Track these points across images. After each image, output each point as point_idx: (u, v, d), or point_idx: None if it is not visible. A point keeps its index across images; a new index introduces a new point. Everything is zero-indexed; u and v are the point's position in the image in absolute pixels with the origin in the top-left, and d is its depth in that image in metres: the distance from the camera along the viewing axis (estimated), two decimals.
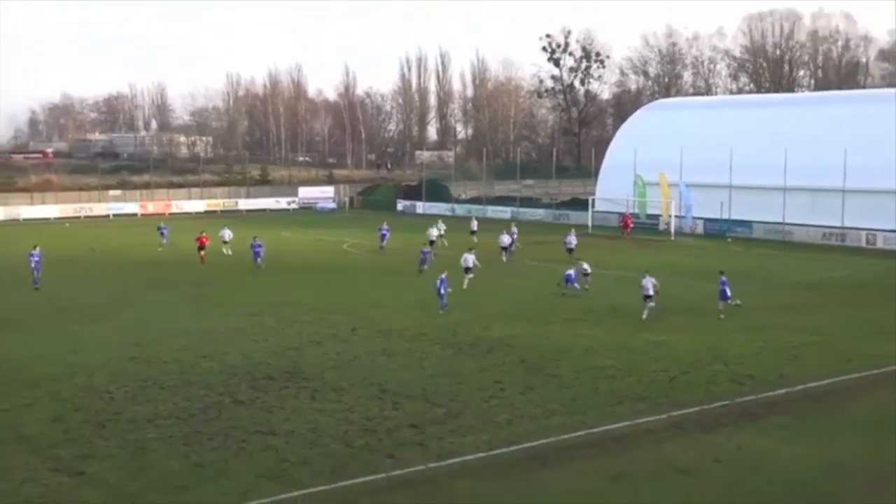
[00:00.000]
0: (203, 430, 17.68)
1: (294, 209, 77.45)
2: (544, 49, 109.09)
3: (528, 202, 71.34)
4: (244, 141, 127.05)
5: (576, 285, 32.83)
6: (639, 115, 73.80)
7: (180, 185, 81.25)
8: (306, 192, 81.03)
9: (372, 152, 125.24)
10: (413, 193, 78.08)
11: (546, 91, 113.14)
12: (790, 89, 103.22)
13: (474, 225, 51.29)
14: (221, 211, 73.63)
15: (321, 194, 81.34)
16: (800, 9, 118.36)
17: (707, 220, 56.49)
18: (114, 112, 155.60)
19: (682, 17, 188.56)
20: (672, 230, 55.13)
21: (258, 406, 19.39)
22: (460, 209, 70.67)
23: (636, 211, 58.84)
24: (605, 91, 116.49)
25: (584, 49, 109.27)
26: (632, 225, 55.61)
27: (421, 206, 73.94)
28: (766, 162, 55.17)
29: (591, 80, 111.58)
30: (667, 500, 14.56)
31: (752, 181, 55.58)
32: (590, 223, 58.36)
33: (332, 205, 79.30)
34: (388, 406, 19.35)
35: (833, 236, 51.12)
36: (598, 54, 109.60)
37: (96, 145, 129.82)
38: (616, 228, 56.81)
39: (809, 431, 17.80)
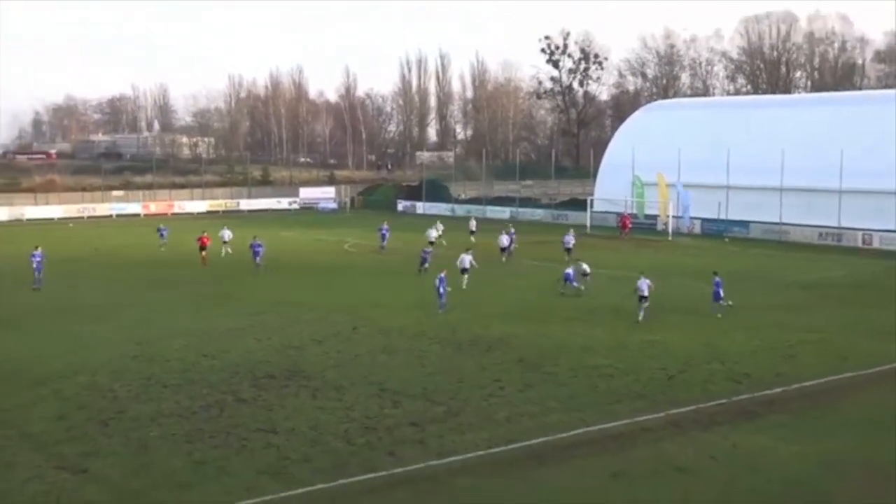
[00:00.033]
0: (205, 428, 17.80)
1: (295, 209, 77.71)
2: (543, 51, 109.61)
3: (527, 202, 71.49)
4: (246, 142, 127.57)
5: (575, 284, 33.05)
6: (637, 116, 74.01)
7: (183, 186, 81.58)
8: (307, 193, 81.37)
9: (372, 153, 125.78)
10: (413, 194, 78.27)
11: (545, 92, 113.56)
12: (787, 91, 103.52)
13: (473, 225, 51.46)
14: (223, 211, 73.81)
15: (322, 195, 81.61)
16: (796, 11, 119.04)
17: (704, 220, 56.69)
18: (117, 113, 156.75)
19: (680, 19, 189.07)
20: (670, 230, 55.32)
21: (260, 404, 19.51)
22: (460, 209, 70.83)
23: (634, 211, 59.04)
24: (603, 92, 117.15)
25: (582, 51, 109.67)
26: (630, 225, 55.82)
27: (421, 207, 74.12)
28: (762, 162, 55.35)
29: (590, 82, 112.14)
30: (665, 497, 14.63)
31: (749, 182, 55.79)
32: (588, 223, 58.52)
33: (333, 205, 79.53)
34: (388, 404, 19.47)
35: (829, 236, 51.32)
36: (596, 56, 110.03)
37: (99, 146, 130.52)
38: (614, 228, 57.01)
39: (806, 429, 17.92)
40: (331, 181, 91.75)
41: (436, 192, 76.62)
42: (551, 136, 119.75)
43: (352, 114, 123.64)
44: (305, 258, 45.10)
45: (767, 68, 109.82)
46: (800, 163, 53.48)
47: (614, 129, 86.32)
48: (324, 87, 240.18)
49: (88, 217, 69.98)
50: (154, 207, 73.05)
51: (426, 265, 37.05)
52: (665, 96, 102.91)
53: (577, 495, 14.75)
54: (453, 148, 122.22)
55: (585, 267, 33.89)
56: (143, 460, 16.11)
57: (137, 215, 71.14)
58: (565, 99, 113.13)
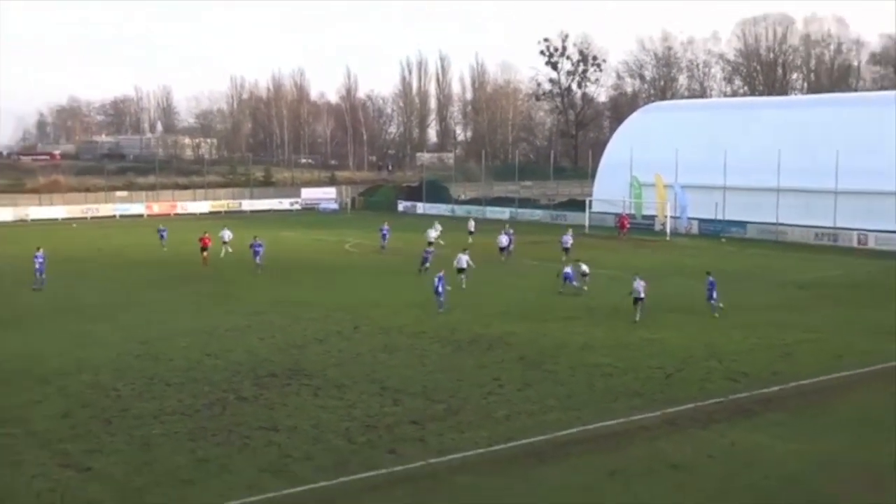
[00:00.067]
0: (207, 427, 17.93)
1: (297, 210, 77.98)
2: (542, 53, 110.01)
3: (526, 203, 71.69)
4: (248, 143, 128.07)
5: (574, 283, 33.27)
6: (635, 117, 74.22)
7: (185, 187, 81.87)
8: (309, 194, 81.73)
9: (373, 154, 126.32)
10: (414, 194, 78.51)
11: (544, 94, 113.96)
12: (783, 92, 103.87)
13: (471, 226, 51.64)
14: (226, 212, 74.06)
15: (323, 195, 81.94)
16: (793, 13, 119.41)
17: (702, 221, 56.91)
18: (120, 114, 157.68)
19: (678, 21, 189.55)
20: (667, 230, 55.51)
21: (261, 403, 19.65)
22: (460, 210, 71.02)
23: (632, 212, 59.24)
24: (601, 94, 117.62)
25: (581, 53, 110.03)
26: (628, 225, 56.03)
27: (421, 207, 74.32)
28: (759, 163, 55.59)
29: (588, 84, 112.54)
30: (662, 495, 14.72)
31: (746, 182, 56.02)
32: (587, 224, 58.70)
33: (335, 206, 79.77)
34: (389, 402, 19.62)
35: (825, 236, 51.55)
36: (594, 58, 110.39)
37: (103, 147, 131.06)
38: (612, 229, 57.22)
39: (802, 427, 18.06)
40: (332, 182, 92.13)
41: (436, 192, 76.84)
42: (550, 138, 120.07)
43: (353, 115, 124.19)
44: (307, 258, 45.27)
45: (764, 70, 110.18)
46: (796, 164, 53.73)
47: (612, 130, 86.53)
48: (325, 88, 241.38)
49: (92, 217, 70.23)
50: (157, 208, 73.29)
51: (427, 265, 37.23)
52: (663, 98, 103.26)
53: (575, 493, 14.84)
54: (453, 149, 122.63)
55: (585, 267, 34.10)
56: (146, 458, 16.23)
57: (140, 216, 71.37)
58: (564, 100, 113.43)
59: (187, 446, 16.83)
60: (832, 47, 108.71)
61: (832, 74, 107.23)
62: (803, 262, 43.97)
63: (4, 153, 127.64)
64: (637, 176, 59.82)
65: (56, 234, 56.25)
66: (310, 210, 77.80)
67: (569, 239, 43.46)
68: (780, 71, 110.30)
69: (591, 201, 62.63)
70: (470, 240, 47.31)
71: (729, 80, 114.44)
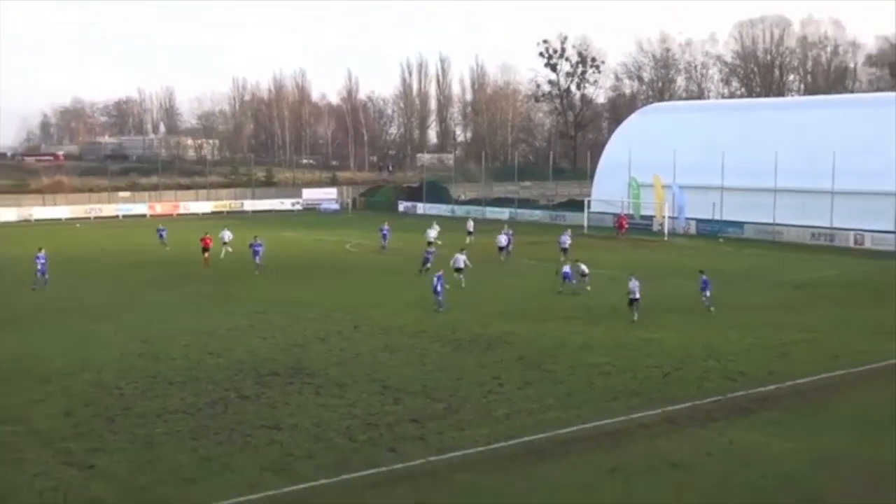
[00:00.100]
0: (210, 425, 18.02)
1: (298, 210, 78.19)
2: (541, 54, 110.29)
3: (525, 203, 71.86)
4: (250, 144, 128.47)
5: (573, 282, 33.46)
6: (633, 118, 74.41)
7: (188, 187, 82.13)
8: (310, 194, 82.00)
9: (374, 155, 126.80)
10: (414, 195, 78.72)
11: (543, 95, 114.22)
12: (780, 94, 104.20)
13: (470, 226, 51.75)
14: (228, 212, 74.26)
15: (325, 196, 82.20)
16: (790, 15, 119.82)
17: (699, 221, 57.10)
18: (123, 116, 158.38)
19: (676, 23, 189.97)
20: (665, 231, 55.68)
21: (263, 401, 19.76)
22: (460, 210, 71.17)
23: (631, 212, 59.42)
24: (600, 95, 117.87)
25: (580, 54, 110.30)
26: (626, 226, 56.24)
27: (421, 207, 74.50)
28: (756, 164, 55.77)
29: (587, 85, 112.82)
30: (660, 493, 14.81)
31: (743, 183, 56.21)
32: (585, 224, 58.87)
33: (336, 206, 79.99)
34: (389, 401, 19.73)
35: (822, 237, 51.75)
36: (593, 59, 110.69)
37: (106, 148, 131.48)
38: (611, 229, 57.41)
39: (799, 426, 18.19)
40: (333, 182, 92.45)
41: (436, 193, 77.04)
42: (549, 139, 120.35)
43: (354, 116, 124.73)
44: (308, 258, 45.43)
45: (761, 72, 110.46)
46: (793, 164, 53.91)
47: (611, 131, 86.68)
48: (326, 89, 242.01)
49: (95, 218, 70.50)
50: (160, 208, 73.53)
51: (428, 265, 37.36)
52: (661, 99, 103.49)
53: (574, 490, 14.93)
54: (453, 150, 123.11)
55: (584, 267, 34.27)
56: (149, 456, 16.32)
57: (143, 216, 71.59)
58: (563, 102, 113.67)
59: (190, 445, 16.92)
60: (828, 49, 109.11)
61: (829, 76, 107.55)
62: (800, 262, 44.14)
63: (9, 154, 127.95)
64: (635, 176, 59.99)
65: (59, 235, 56.46)
66: (311, 210, 77.99)
67: (567, 239, 43.61)
68: (776, 73, 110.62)
69: (589, 202, 62.78)
70: (468, 240, 47.46)
71: (726, 82, 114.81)
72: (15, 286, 35.98)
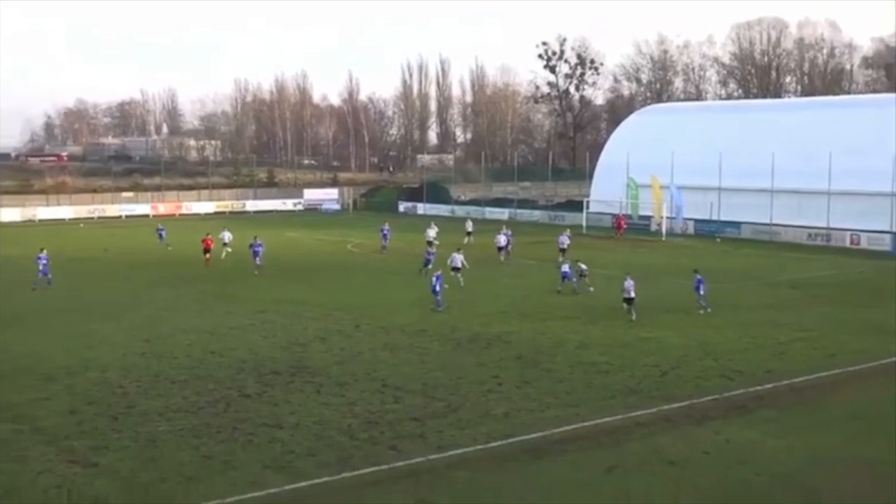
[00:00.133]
0: (212, 423, 18.14)
1: (300, 211, 78.44)
2: (540, 56, 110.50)
3: (524, 204, 72.05)
4: (252, 144, 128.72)
5: (572, 281, 33.68)
6: (632, 119, 74.61)
7: (190, 188, 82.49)
8: (311, 194, 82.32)
9: (375, 156, 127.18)
10: (414, 195, 78.92)
11: (542, 97, 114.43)
12: (777, 95, 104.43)
13: (469, 226, 51.92)
14: (230, 212, 74.51)
15: (326, 196, 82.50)
16: (787, 17, 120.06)
17: (697, 221, 57.30)
18: (126, 117, 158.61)
19: (673, 25, 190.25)
20: (663, 231, 55.86)
21: (265, 400, 19.90)
22: (460, 210, 71.36)
23: (629, 212, 59.59)
24: (599, 97, 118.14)
25: (578, 56, 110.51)
26: (625, 226, 56.43)
27: (422, 208, 74.67)
28: (754, 165, 55.97)
29: (586, 86, 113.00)
30: (658, 491, 14.89)
31: (740, 183, 56.42)
32: (584, 224, 59.08)
33: (337, 206, 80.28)
34: (390, 400, 19.86)
35: (818, 237, 51.95)
36: (592, 61, 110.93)
37: (109, 149, 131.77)
38: (609, 229, 57.61)
39: (795, 424, 18.31)
40: (334, 183, 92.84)
41: (436, 193, 77.25)
42: (548, 140, 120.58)
43: (354, 117, 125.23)
44: (309, 258, 45.62)
45: (758, 73, 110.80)
46: (790, 165, 54.11)
47: (609, 132, 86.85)
48: (327, 91, 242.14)
49: (99, 218, 70.79)
50: (162, 208, 73.82)
51: (429, 266, 37.51)
52: (659, 100, 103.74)
53: (572, 488, 15.03)
54: (453, 151, 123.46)
55: (584, 267, 34.47)
56: (152, 454, 16.43)
57: (146, 216, 71.77)
58: (562, 103, 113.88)
59: (192, 443, 17.04)
60: (825, 51, 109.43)
61: (825, 78, 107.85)
62: (797, 262, 44.31)
63: (13, 155, 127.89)
64: (634, 177, 60.18)
65: (63, 235, 56.71)
66: (312, 211, 78.26)
67: (565, 239, 43.77)
68: (774, 74, 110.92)
69: (588, 202, 63.00)
70: (466, 240, 47.64)
71: (724, 83, 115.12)
72: (18, 286, 36.07)
